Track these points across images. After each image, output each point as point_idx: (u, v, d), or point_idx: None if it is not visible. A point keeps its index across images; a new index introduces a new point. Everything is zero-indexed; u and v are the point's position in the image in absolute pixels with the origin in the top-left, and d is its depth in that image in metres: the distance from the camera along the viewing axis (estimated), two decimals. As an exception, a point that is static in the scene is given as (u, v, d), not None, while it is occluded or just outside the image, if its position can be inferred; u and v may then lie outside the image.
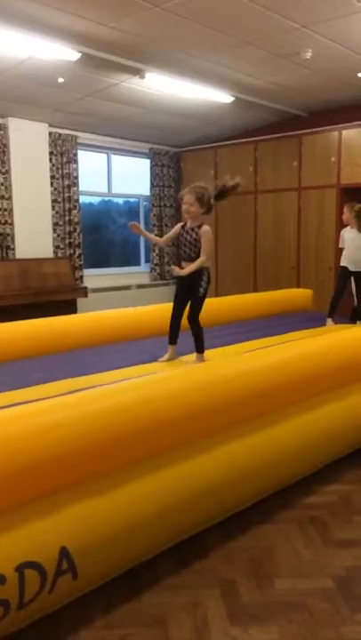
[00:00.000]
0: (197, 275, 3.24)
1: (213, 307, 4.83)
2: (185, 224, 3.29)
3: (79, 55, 4.86)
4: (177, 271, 3.25)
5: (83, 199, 7.65)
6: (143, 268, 8.62)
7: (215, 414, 2.48)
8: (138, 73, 5.45)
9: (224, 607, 2.11)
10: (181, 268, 3.27)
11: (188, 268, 3.21)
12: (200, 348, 3.34)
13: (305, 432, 2.87)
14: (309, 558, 2.42)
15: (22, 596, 1.79)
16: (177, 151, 8.54)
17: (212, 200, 3.24)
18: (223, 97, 6.29)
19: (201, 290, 3.26)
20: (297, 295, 5.67)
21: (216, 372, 2.65)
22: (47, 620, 1.99)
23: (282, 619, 2.05)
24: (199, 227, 3.21)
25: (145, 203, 8.65)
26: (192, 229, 3.23)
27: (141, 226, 8.60)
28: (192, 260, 3.23)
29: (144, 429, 2.20)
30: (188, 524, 2.32)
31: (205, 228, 3.21)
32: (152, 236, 3.47)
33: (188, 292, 3.32)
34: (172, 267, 3.36)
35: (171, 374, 2.59)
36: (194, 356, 3.37)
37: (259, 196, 7.63)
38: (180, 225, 3.33)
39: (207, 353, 3.39)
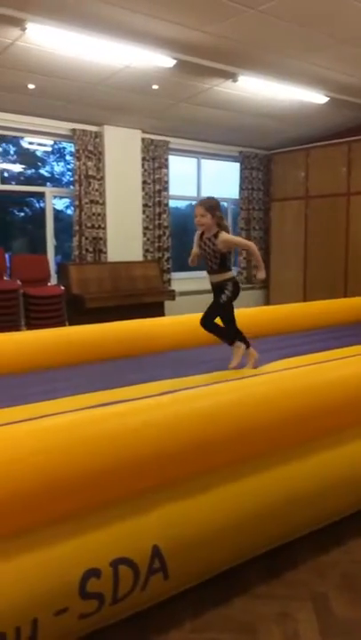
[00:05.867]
0: (222, 284, 3.18)
1: (297, 312, 4.75)
2: (202, 233, 3.21)
3: (174, 62, 4.93)
4: (259, 278, 3.28)
5: (170, 203, 7.76)
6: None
7: (311, 420, 2.42)
8: (231, 76, 5.46)
9: (316, 621, 2.05)
10: (210, 281, 3.25)
11: (262, 272, 3.27)
12: (231, 339, 3.24)
13: None
14: None
15: (116, 591, 1.82)
16: (267, 154, 8.46)
17: (221, 214, 3.17)
18: (317, 97, 6.16)
19: (223, 297, 3.17)
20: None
21: (312, 378, 2.59)
22: (138, 618, 2.02)
23: (377, 639, 1.96)
24: (215, 235, 3.12)
25: (233, 206, 8.64)
26: (209, 239, 3.15)
27: (230, 231, 8.63)
28: (214, 272, 3.18)
29: (238, 432, 2.18)
30: (279, 531, 2.27)
31: (222, 235, 3.11)
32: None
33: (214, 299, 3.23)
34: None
35: (266, 378, 2.56)
36: (274, 363, 3.27)
37: (352, 199, 7.39)
38: (198, 234, 3.24)
39: (301, 358, 3.31)
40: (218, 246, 3.11)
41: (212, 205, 3.13)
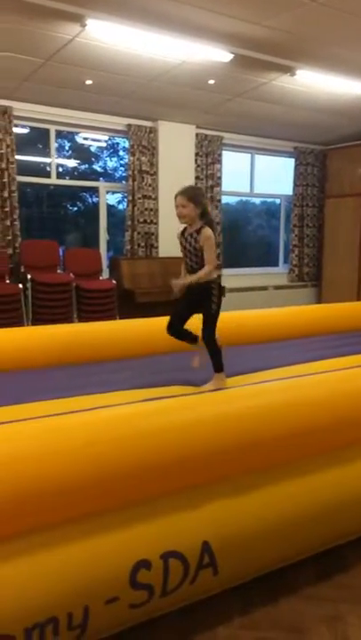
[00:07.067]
0: (205, 289, 2.74)
1: (337, 313, 4.63)
2: (184, 230, 2.80)
3: (231, 56, 4.90)
4: (174, 283, 2.78)
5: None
6: (282, 268, 8.50)
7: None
8: (288, 71, 5.37)
9: (367, 626, 2.01)
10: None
11: (189, 278, 2.73)
12: (218, 367, 2.78)
13: None
14: None
15: (166, 583, 1.84)
16: (323, 149, 8.30)
17: (207, 204, 2.79)
18: (377, 91, 5.99)
19: (213, 306, 2.75)
20: None
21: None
22: (186, 612, 2.02)
23: None
24: (198, 231, 2.70)
25: (286, 203, 8.52)
26: (191, 235, 2.73)
27: (281, 227, 8.53)
28: (195, 272, 2.73)
29: (287, 433, 2.16)
30: (332, 533, 2.24)
31: (206, 231, 2.68)
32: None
33: (198, 309, 2.81)
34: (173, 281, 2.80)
35: (321, 378, 2.52)
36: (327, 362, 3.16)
37: None
38: (179, 233, 2.83)
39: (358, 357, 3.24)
40: (200, 243, 2.69)
41: (195, 194, 2.72)
